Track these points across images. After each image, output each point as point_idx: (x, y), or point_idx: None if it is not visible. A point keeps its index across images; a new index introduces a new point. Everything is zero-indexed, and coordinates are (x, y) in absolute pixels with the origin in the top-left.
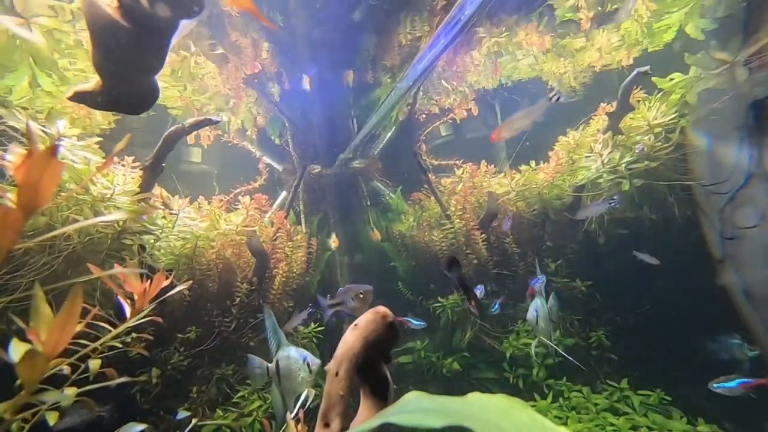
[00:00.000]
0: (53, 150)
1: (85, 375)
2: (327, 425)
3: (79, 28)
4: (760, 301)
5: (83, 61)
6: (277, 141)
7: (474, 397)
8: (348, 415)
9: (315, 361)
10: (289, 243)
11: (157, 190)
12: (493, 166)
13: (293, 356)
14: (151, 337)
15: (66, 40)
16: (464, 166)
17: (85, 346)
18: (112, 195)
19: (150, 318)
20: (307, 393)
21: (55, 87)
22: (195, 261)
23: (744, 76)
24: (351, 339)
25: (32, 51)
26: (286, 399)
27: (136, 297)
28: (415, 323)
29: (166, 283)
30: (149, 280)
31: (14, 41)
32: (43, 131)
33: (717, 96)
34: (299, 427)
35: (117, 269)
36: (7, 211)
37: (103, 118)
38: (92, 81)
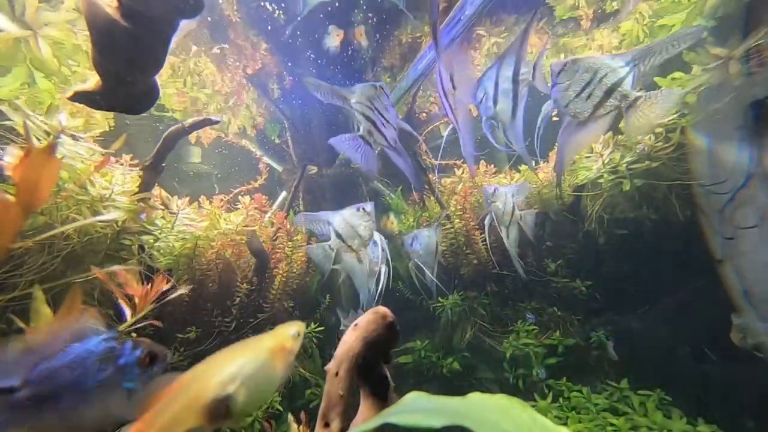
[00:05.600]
0: (51, 148)
1: None
2: (327, 425)
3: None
4: (760, 301)
5: (84, 65)
6: (277, 141)
7: (474, 397)
8: (348, 415)
9: (369, 205)
10: (289, 243)
11: (156, 190)
12: (492, 166)
13: (345, 215)
14: (149, 339)
15: (70, 43)
16: (464, 165)
17: None
18: (110, 195)
19: (152, 323)
20: (382, 269)
21: (53, 86)
22: (195, 261)
23: (737, 69)
24: (351, 339)
25: (36, 61)
26: (367, 282)
27: (136, 299)
28: None
29: (166, 287)
30: (149, 281)
31: (18, 47)
32: (44, 126)
33: (717, 96)
34: (301, 428)
35: (116, 267)
36: (8, 205)
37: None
38: (92, 81)
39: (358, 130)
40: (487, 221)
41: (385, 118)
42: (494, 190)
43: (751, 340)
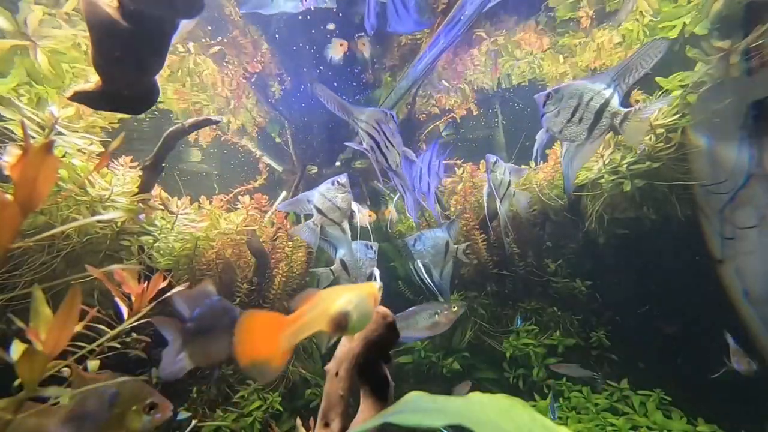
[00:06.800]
0: (49, 146)
1: None
2: (327, 425)
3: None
4: (760, 301)
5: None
6: (277, 140)
7: (475, 397)
8: (348, 415)
9: (342, 177)
10: (289, 243)
11: (156, 190)
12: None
13: (322, 190)
14: (150, 339)
15: (70, 55)
16: (464, 166)
17: (84, 346)
18: (110, 195)
19: (149, 320)
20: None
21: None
22: (195, 261)
23: (737, 61)
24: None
25: (32, 69)
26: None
27: (134, 298)
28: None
29: (164, 284)
30: (147, 281)
31: (14, 54)
32: (37, 119)
33: (718, 96)
34: None
35: (114, 266)
36: (5, 204)
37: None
38: (92, 81)
39: (361, 143)
40: (486, 190)
41: (390, 141)
42: (495, 160)
43: (750, 365)
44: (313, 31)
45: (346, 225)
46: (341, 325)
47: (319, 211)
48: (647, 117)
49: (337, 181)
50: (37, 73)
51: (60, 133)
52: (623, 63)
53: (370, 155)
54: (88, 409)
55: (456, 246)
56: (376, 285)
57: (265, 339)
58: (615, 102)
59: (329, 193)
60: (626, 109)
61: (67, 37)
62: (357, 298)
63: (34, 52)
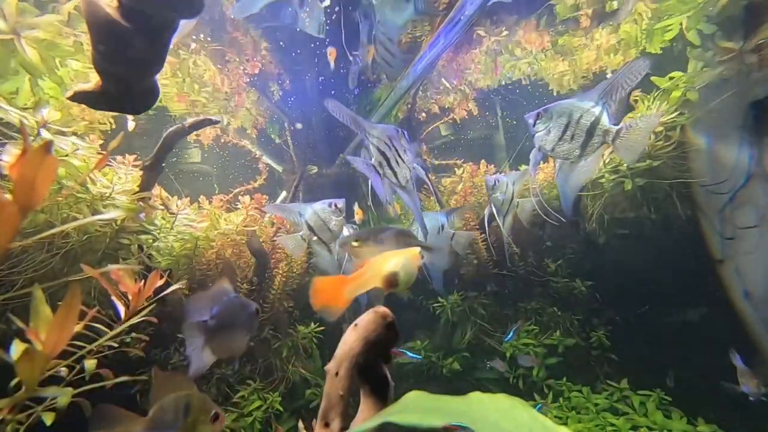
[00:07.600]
0: (47, 147)
1: (82, 375)
2: (327, 425)
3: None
4: (760, 301)
5: (82, 62)
6: (277, 141)
7: (475, 396)
8: (348, 415)
9: (340, 201)
10: None
11: (156, 190)
12: (492, 166)
13: (317, 209)
14: (149, 339)
15: (64, 46)
16: (464, 166)
17: (84, 346)
18: (111, 194)
19: (147, 318)
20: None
21: (55, 88)
22: (195, 261)
23: (754, 60)
24: (351, 339)
25: (25, 63)
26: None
27: (131, 297)
28: (411, 355)
29: (161, 282)
30: (144, 280)
31: (9, 51)
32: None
33: (717, 94)
34: None
35: (111, 266)
36: (5, 204)
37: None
38: (92, 81)
39: (371, 158)
40: (487, 212)
41: (401, 157)
42: (495, 181)
43: (759, 387)
44: (313, 44)
45: (333, 246)
46: (392, 282)
47: (310, 228)
48: (644, 137)
49: (335, 204)
50: (30, 68)
51: (39, 135)
52: (608, 81)
53: (378, 171)
54: (166, 418)
55: (452, 231)
56: (418, 250)
57: (332, 292)
58: (605, 120)
59: (323, 214)
60: (617, 127)
61: (52, 24)
62: (403, 260)
63: (21, 45)
